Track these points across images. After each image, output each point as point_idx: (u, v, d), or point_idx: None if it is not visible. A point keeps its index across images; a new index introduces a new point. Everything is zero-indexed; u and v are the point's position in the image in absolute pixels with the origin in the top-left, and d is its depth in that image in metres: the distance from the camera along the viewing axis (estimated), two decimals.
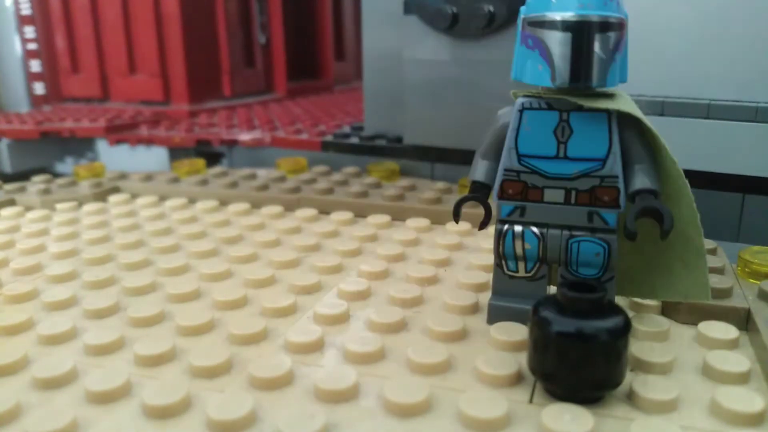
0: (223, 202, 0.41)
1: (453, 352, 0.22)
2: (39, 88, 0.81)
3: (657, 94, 0.36)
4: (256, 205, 0.41)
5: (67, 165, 0.70)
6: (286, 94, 0.88)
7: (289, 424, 0.17)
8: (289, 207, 0.40)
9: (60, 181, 0.45)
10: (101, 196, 0.43)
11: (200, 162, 0.48)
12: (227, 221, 0.37)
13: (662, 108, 0.36)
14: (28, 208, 0.41)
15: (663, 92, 0.36)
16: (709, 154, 0.35)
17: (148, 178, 0.45)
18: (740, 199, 0.37)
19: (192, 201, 0.42)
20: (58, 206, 0.41)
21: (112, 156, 0.67)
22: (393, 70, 0.48)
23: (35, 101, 0.82)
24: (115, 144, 0.64)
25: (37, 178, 0.46)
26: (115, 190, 0.44)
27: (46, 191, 0.42)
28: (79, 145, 0.69)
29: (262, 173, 0.47)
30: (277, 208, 0.39)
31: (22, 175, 0.56)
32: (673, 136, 0.36)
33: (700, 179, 0.36)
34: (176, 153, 0.64)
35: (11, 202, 0.42)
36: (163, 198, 0.43)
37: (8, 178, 0.52)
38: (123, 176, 0.46)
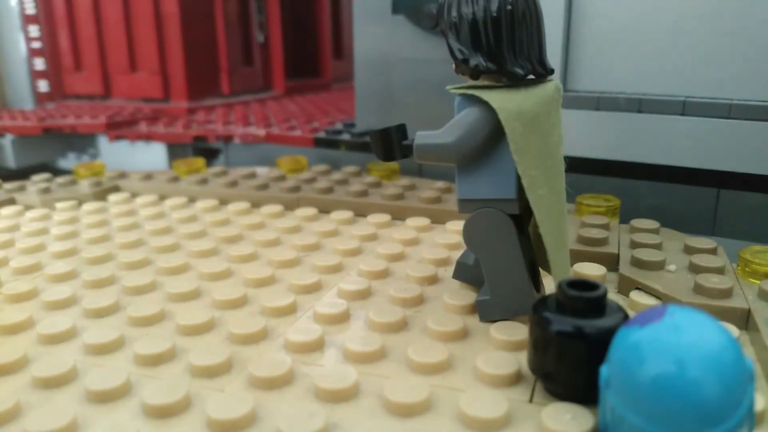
0: (223, 201, 0.41)
1: (453, 351, 0.22)
2: (43, 85, 0.83)
3: (635, 91, 0.38)
4: (255, 204, 0.41)
5: (69, 161, 0.71)
6: (284, 92, 0.88)
7: (290, 423, 0.17)
8: (289, 206, 0.40)
9: (60, 180, 0.45)
10: (101, 195, 0.43)
11: (200, 161, 0.48)
12: (227, 220, 0.37)
13: (640, 105, 0.37)
14: (28, 207, 0.41)
15: (640, 89, 0.38)
16: (685, 150, 0.37)
17: (148, 177, 0.45)
18: (715, 193, 0.38)
19: (192, 200, 0.42)
20: (58, 205, 0.41)
21: (113, 152, 0.68)
22: (383, 68, 0.49)
23: (39, 98, 0.83)
24: (115, 140, 0.65)
25: (37, 177, 0.46)
26: (115, 189, 0.44)
27: (46, 190, 0.42)
28: (81, 142, 0.70)
29: (262, 172, 0.47)
30: (276, 207, 0.39)
31: (26, 171, 0.56)
32: (651, 132, 0.37)
33: (676, 174, 0.38)
34: (175, 149, 0.65)
35: (11, 201, 0.42)
36: (162, 197, 0.43)
37: (12, 173, 0.53)
38: (123, 175, 0.46)
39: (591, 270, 0.28)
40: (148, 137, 0.64)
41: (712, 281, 0.25)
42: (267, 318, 0.24)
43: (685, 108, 0.36)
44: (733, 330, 0.23)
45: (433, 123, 0.45)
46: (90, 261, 0.31)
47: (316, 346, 0.22)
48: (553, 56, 0.39)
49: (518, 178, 0.22)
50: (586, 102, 0.39)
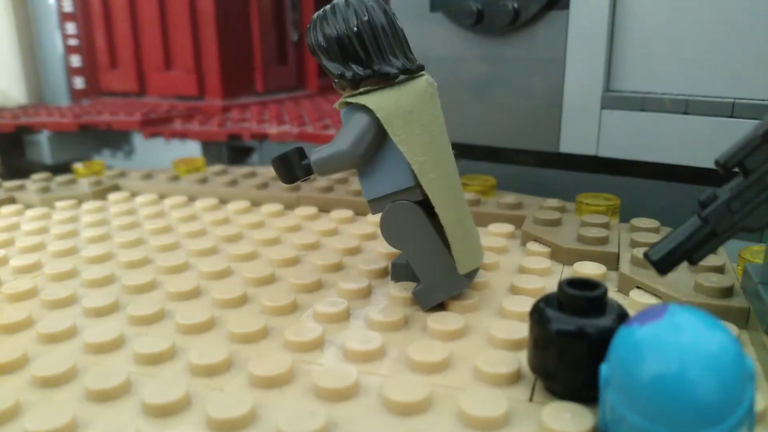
0: (223, 200, 0.41)
1: (453, 350, 0.22)
2: (79, 82, 0.84)
3: (681, 92, 0.36)
4: (255, 203, 0.41)
5: (104, 157, 0.72)
6: (317, 91, 0.89)
7: (290, 422, 0.17)
8: (289, 205, 0.40)
9: (59, 179, 0.45)
10: (101, 194, 0.43)
11: (200, 160, 0.48)
12: (227, 219, 0.37)
13: (686, 106, 0.35)
14: (28, 206, 0.41)
15: (687, 90, 0.36)
16: None
17: (148, 176, 0.45)
18: None
19: (192, 199, 0.42)
20: (58, 204, 0.41)
21: (148, 149, 0.69)
22: None
23: (75, 95, 0.84)
24: (150, 137, 0.66)
25: (37, 176, 0.45)
26: (115, 188, 0.44)
27: (46, 189, 0.42)
28: (116, 138, 0.72)
29: (262, 171, 0.47)
30: (276, 206, 0.39)
31: (62, 166, 0.57)
32: (698, 135, 0.35)
33: (725, 180, 0.36)
34: (209, 147, 0.65)
35: (11, 200, 0.42)
36: (162, 196, 0.43)
37: (48, 169, 0.53)
38: (122, 174, 0.46)
39: (591, 269, 0.28)
40: (183, 135, 0.64)
41: (712, 280, 0.25)
42: (267, 317, 0.24)
43: (734, 110, 0.34)
44: (733, 329, 0.23)
45: (470, 122, 0.45)
46: (90, 260, 0.31)
47: (316, 345, 0.22)
48: (597, 55, 0.37)
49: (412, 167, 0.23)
50: (631, 103, 0.37)
